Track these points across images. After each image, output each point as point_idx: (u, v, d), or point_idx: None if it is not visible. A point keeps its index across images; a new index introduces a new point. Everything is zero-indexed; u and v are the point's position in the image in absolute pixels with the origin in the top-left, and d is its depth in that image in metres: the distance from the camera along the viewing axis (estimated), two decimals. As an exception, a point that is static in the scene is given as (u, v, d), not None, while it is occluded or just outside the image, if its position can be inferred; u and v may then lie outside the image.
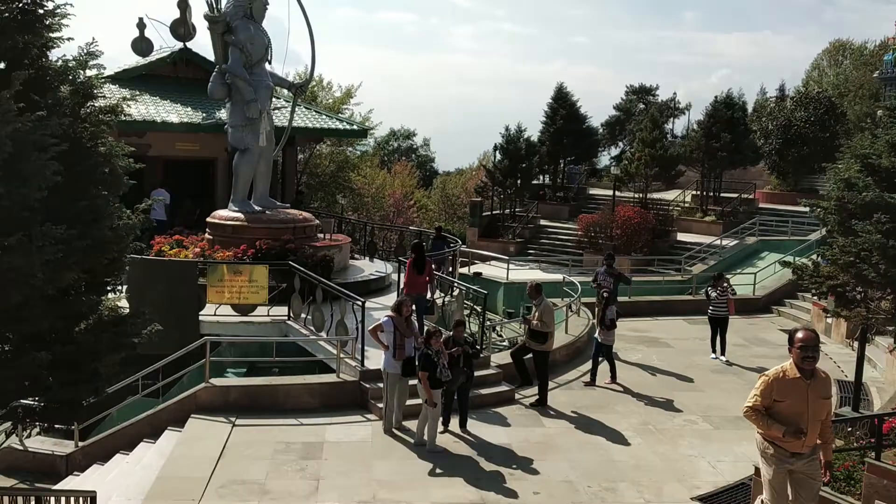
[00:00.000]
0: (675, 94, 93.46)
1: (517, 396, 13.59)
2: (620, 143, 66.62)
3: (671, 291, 25.17)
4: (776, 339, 18.69)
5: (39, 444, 12.99)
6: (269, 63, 19.54)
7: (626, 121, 65.09)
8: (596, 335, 14.97)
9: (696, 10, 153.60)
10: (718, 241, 31.32)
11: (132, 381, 12.60)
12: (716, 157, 34.44)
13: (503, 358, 15.14)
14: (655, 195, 36.65)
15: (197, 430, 11.61)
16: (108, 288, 7.08)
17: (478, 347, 12.71)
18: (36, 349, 5.34)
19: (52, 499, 5.98)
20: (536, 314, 13.38)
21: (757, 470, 8.94)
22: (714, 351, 16.85)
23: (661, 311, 21.45)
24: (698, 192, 36.68)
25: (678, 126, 62.52)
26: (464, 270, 27.36)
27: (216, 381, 12.71)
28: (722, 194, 36.62)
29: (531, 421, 12.58)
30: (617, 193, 35.39)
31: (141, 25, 26.00)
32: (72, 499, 6.34)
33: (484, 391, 13.32)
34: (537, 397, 13.39)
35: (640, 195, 35.06)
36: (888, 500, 7.68)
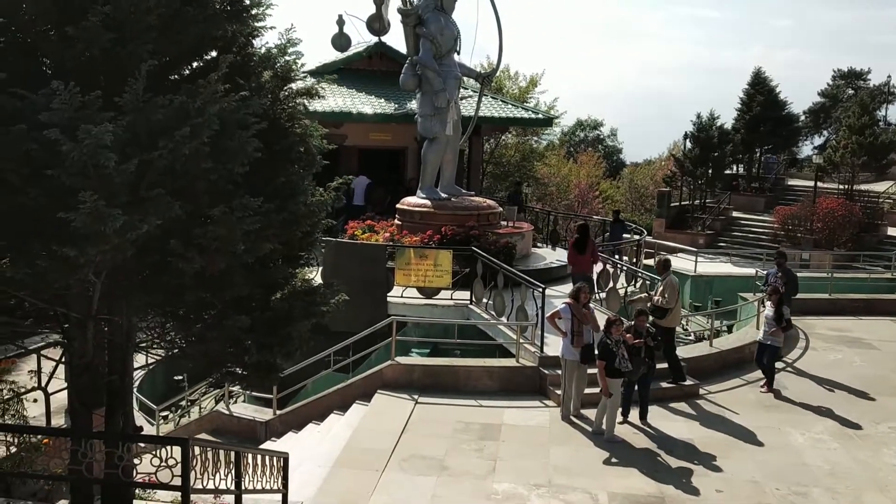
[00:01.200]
0: (889, 77, 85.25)
1: (701, 392, 13.12)
2: (825, 132, 62.21)
3: (878, 290, 23.18)
4: None
5: (243, 409, 14.13)
6: (458, 54, 19.93)
7: (831, 108, 60.73)
8: (761, 337, 13.80)
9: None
10: (937, 237, 28.54)
11: (324, 356, 13.39)
12: (935, 144, 31.33)
13: (689, 352, 14.70)
14: (863, 186, 33.85)
15: (382, 404, 12.14)
16: (302, 262, 7.55)
17: (660, 339, 12.39)
18: (238, 314, 5.83)
19: (250, 455, 6.48)
20: (660, 289, 13.24)
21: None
22: None
23: (866, 311, 19.81)
24: (914, 183, 33.56)
25: (892, 113, 57.26)
26: (649, 262, 26.73)
27: (401, 360, 13.21)
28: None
29: (715, 417, 12.10)
30: (819, 184, 33.02)
31: (340, 22, 27.34)
32: (267, 457, 6.84)
33: (666, 385, 12.97)
34: (672, 378, 13.06)
35: (846, 186, 32.51)
36: None
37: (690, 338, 19.59)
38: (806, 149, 56.98)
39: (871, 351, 16.35)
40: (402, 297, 15.90)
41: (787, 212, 31.13)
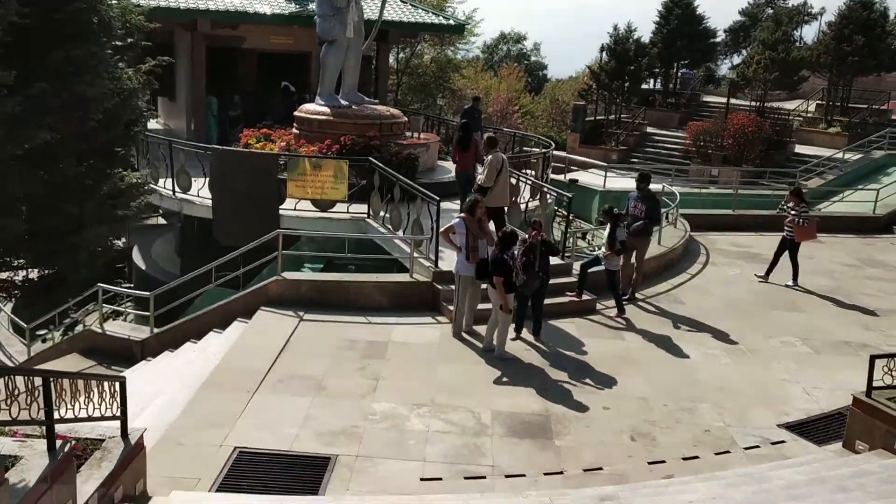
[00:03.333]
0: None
1: (598, 307, 12.83)
2: (744, 52, 62.44)
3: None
4: (894, 261, 17.13)
5: (118, 328, 13.24)
6: (361, -50, 18.62)
7: (751, 27, 60.76)
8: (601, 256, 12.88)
9: None
10: (840, 155, 28.92)
11: (205, 271, 12.54)
12: (846, 62, 31.45)
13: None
14: (775, 104, 34.04)
15: (264, 322, 11.44)
16: (118, 162, 6.64)
17: (556, 247, 11.97)
18: (6, 217, 4.98)
19: (81, 382, 5.72)
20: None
21: (856, 399, 8.03)
22: (767, 273, 14.99)
23: (767, 227, 19.87)
24: (823, 102, 33.85)
25: (808, 34, 57.74)
26: (559, 178, 26.39)
27: (288, 275, 12.45)
28: (850, 105, 33.68)
29: (611, 333, 11.84)
30: (733, 101, 33.06)
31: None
32: (104, 383, 6.09)
33: (563, 300, 12.63)
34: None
35: (758, 103, 32.58)
36: None
37: (596, 252, 19.36)
38: (725, 67, 57.28)
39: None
40: (295, 209, 15.06)
41: (698, 127, 31.07)
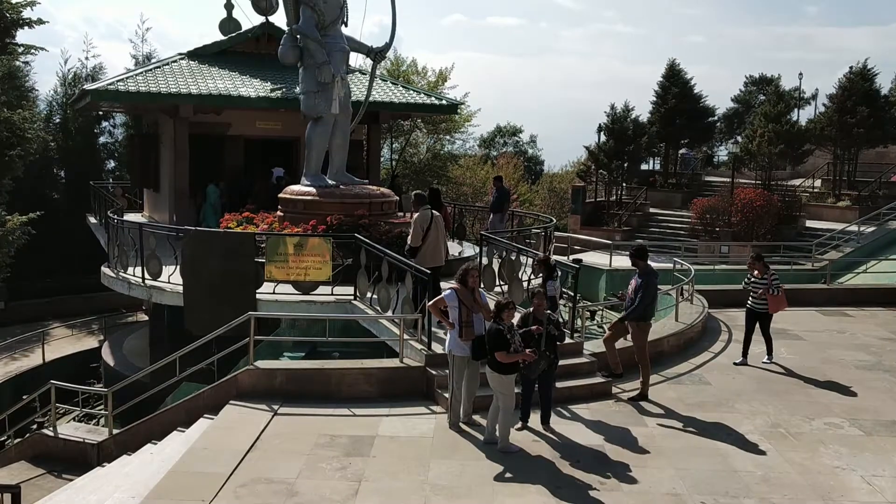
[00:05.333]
0: (800, 75, 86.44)
1: (614, 390, 11.36)
2: (738, 138, 62.44)
3: (800, 280, 22.17)
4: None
5: (73, 430, 11.77)
6: (345, 26, 17.90)
7: (744, 113, 60.85)
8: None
9: (819, 4, 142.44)
10: (855, 227, 27.80)
11: (167, 362, 11.14)
12: (851, 134, 30.65)
13: (600, 346, 12.93)
14: (780, 182, 33.17)
15: (231, 418, 9.95)
16: None
17: (564, 329, 10.60)
18: None
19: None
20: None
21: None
22: (744, 354, 13.37)
23: (790, 302, 18.55)
24: (829, 177, 32.96)
25: (803, 117, 57.73)
26: (562, 258, 25.17)
27: (261, 364, 11.04)
28: (857, 178, 32.78)
29: (630, 419, 10.33)
30: (736, 179, 32.15)
31: (228, 5, 25.07)
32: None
33: (574, 383, 11.17)
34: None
35: (763, 178, 31.63)
36: None
37: (603, 331, 18.03)
38: (723, 151, 57.06)
39: (798, 342, 14.96)
40: (274, 293, 13.72)
41: (704, 204, 30.05)
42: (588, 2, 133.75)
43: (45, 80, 40.80)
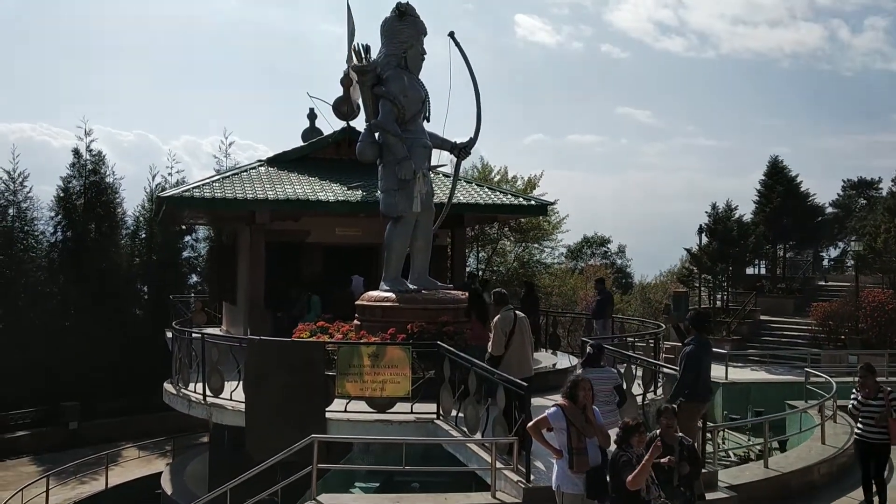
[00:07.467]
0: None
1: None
2: (840, 244, 58.78)
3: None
4: None
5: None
6: (427, 121, 16.73)
7: (845, 218, 57.42)
8: None
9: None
10: None
11: (223, 492, 9.38)
12: None
13: (735, 476, 10.60)
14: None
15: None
16: None
17: (699, 457, 8.43)
18: None
19: None
20: None
21: None
22: (867, 497, 10.25)
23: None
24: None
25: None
26: (671, 372, 22.76)
27: (325, 499, 9.15)
28: None
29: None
30: (853, 283, 29.23)
31: (311, 116, 24.56)
32: None
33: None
34: None
35: (890, 278, 28.59)
36: None
37: (730, 459, 15.48)
38: (831, 252, 53.58)
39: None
40: (346, 411, 11.96)
41: (826, 309, 27.17)
42: (668, 117, 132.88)
43: (133, 197, 41.19)
